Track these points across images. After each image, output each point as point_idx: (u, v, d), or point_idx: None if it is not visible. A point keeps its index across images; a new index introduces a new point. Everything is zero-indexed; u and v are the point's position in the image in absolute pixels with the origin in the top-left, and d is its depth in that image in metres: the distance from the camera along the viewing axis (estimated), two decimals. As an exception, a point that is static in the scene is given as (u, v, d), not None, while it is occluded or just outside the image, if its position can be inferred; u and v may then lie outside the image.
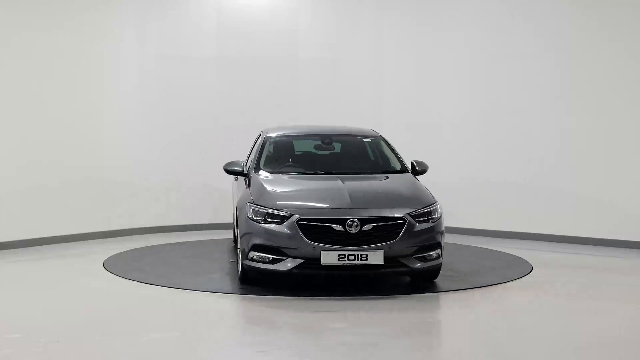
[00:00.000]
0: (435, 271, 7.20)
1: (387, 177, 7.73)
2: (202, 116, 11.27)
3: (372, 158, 8.29)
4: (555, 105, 10.10)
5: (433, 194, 7.40)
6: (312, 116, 11.00)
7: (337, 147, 8.49)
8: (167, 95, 11.13)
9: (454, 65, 10.97)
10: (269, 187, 7.26)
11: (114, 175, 10.53)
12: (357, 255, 6.59)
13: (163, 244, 9.91)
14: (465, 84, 10.90)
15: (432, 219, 7.01)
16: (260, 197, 7.06)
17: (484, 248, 9.59)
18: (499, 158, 10.60)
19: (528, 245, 9.88)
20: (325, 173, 7.73)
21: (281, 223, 6.70)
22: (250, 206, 6.98)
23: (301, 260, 6.63)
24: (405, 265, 6.80)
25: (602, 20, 9.74)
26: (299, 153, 8.44)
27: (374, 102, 11.57)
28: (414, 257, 6.84)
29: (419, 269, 6.90)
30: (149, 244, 9.81)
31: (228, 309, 6.51)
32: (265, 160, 7.99)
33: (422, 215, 6.94)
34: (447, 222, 10.80)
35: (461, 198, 10.91)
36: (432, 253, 6.96)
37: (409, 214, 6.84)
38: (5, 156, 9.33)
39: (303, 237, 6.60)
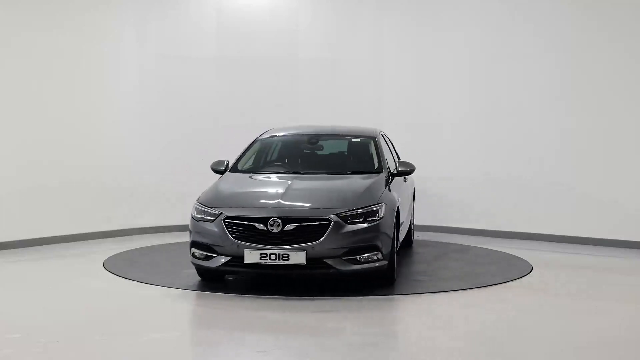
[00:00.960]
0: (378, 273, 6.98)
1: (350, 178, 7.58)
2: (202, 116, 11.26)
3: (353, 158, 8.28)
4: (555, 105, 10.10)
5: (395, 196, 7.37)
6: (312, 116, 10.99)
7: (324, 147, 8.51)
8: (167, 95, 11.12)
9: (454, 65, 10.97)
10: (220, 187, 7.51)
11: (114, 175, 10.53)
12: (279, 254, 6.62)
13: (163, 244, 9.90)
14: (465, 84, 10.89)
15: (370, 220, 6.84)
16: (205, 196, 7.32)
17: (484, 248, 9.59)
18: (499, 158, 10.60)
19: (528, 245, 9.88)
20: (294, 173, 7.81)
21: (212, 221, 6.89)
22: (195, 205, 7.23)
23: (228, 258, 6.79)
24: (332, 267, 6.68)
25: (602, 20, 9.73)
26: (280, 153, 8.53)
27: (374, 102, 11.56)
28: (344, 259, 6.70)
29: (348, 272, 6.74)
30: (149, 244, 9.81)
31: (228, 309, 6.50)
32: (243, 160, 8.26)
33: (357, 216, 6.80)
34: (446, 222, 10.97)
35: (461, 198, 10.91)
36: (368, 255, 6.78)
37: (337, 214, 6.74)
38: (5, 156, 9.34)
39: (228, 235, 6.76)
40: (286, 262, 6.62)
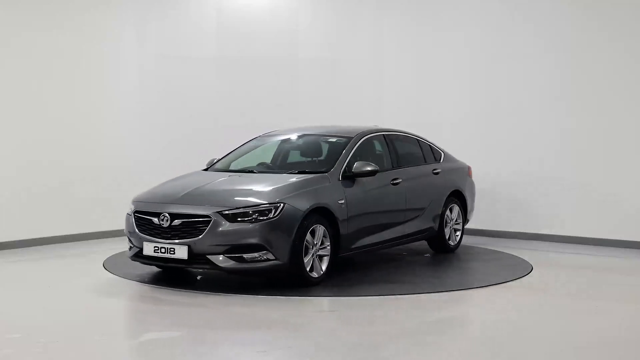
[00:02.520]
0: (274, 274, 6.97)
1: (279, 176, 7.55)
2: (202, 116, 11.27)
3: (316, 158, 8.21)
4: (555, 105, 10.10)
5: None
6: (312, 116, 10.99)
7: (305, 147, 8.50)
8: (167, 95, 11.13)
9: (454, 65, 10.97)
10: (160, 184, 7.83)
11: (114, 175, 10.53)
12: (167, 248, 6.92)
13: (163, 244, 9.88)
14: (465, 84, 10.90)
15: (261, 219, 6.76)
16: (143, 192, 7.67)
17: (484, 248, 9.59)
18: (499, 158, 10.60)
19: (528, 245, 9.88)
20: (249, 172, 7.95)
21: (130, 215, 7.36)
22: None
23: (137, 250, 7.22)
24: (212, 263, 6.79)
25: (602, 20, 9.74)
26: (258, 153, 8.63)
27: (374, 102, 11.56)
28: (227, 257, 6.75)
29: (231, 269, 6.85)
30: (149, 244, 9.80)
31: (228, 309, 6.50)
32: (226, 159, 8.46)
33: (242, 214, 6.77)
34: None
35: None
36: (257, 254, 6.73)
37: (219, 212, 6.79)
38: (5, 156, 9.34)
39: (135, 228, 7.22)
40: (173, 256, 6.90)
